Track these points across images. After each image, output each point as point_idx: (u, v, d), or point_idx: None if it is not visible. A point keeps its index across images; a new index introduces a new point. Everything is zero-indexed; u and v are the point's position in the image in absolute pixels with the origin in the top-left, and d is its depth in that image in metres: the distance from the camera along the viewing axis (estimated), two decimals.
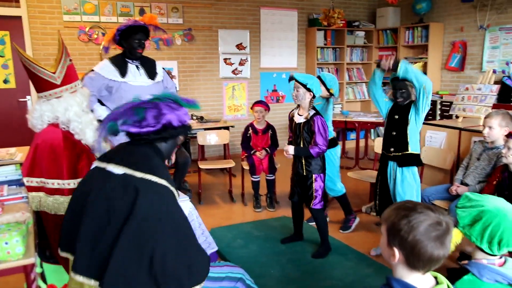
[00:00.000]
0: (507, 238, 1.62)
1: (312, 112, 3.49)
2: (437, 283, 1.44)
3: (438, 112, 6.79)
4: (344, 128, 7.05)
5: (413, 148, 3.38)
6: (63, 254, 1.88)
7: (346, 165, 6.52)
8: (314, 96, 3.47)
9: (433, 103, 6.89)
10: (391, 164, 3.47)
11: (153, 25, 3.48)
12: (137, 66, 3.41)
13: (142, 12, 6.38)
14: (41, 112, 2.48)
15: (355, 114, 6.81)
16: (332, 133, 4.12)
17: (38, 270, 1.88)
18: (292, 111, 3.73)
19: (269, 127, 4.97)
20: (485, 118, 3.44)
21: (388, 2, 5.24)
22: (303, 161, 3.53)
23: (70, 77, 2.57)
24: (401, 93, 3.35)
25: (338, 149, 4.21)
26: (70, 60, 2.60)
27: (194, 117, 6.22)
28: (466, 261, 1.71)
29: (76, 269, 1.71)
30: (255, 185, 4.86)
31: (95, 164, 1.89)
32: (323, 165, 3.57)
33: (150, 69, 3.49)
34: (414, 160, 3.41)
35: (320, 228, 3.62)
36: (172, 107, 1.89)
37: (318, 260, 3.55)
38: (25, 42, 5.83)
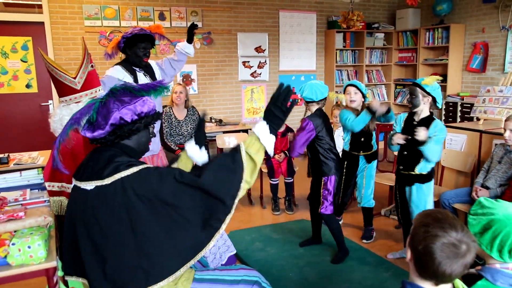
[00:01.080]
0: None
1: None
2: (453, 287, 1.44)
3: (459, 114, 6.70)
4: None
5: (420, 169, 3.34)
6: (68, 278, 1.88)
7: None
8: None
9: (454, 105, 6.82)
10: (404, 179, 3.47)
11: (159, 33, 3.50)
12: (144, 74, 3.43)
13: (162, 16, 6.46)
14: (60, 116, 2.52)
15: None
16: (375, 146, 4.08)
17: (59, 273, 1.92)
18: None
19: (288, 129, 4.98)
20: (506, 121, 3.39)
21: (408, 3, 5.20)
22: (308, 165, 3.60)
23: (91, 82, 2.62)
24: (411, 98, 3.32)
25: (375, 162, 4.15)
26: (92, 66, 2.65)
27: (213, 120, 6.27)
28: (479, 267, 1.70)
29: None
30: (274, 188, 4.87)
31: (73, 182, 1.85)
32: (337, 167, 3.57)
33: (152, 75, 3.52)
34: (427, 177, 3.37)
35: (334, 233, 3.60)
36: (123, 101, 1.82)
37: (332, 260, 3.58)
38: (47, 47, 5.95)
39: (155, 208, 1.70)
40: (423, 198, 3.36)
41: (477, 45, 6.78)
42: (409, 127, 3.35)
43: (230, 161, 1.77)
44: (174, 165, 2.26)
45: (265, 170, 4.90)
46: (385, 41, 7.93)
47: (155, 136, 2.10)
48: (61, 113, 2.56)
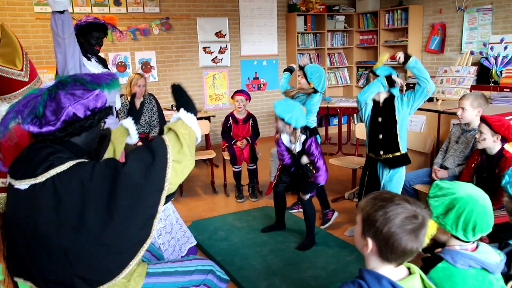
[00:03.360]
0: (481, 223, 1.60)
1: (303, 136, 3.48)
2: (410, 273, 1.42)
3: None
4: (326, 114, 7.02)
5: (403, 147, 3.38)
6: (17, 279, 1.78)
7: (329, 151, 6.51)
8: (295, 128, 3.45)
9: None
10: (381, 165, 3.46)
11: (112, 24, 3.39)
12: (96, 61, 3.33)
13: (117, 1, 6.23)
14: (7, 109, 2.38)
15: (337, 99, 6.78)
16: (314, 123, 4.06)
17: (0, 277, 1.80)
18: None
19: (250, 116, 4.91)
20: (459, 100, 3.44)
21: None
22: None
23: (34, 71, 2.46)
24: (366, 84, 3.37)
25: (318, 139, 4.13)
26: (26, 53, 2.49)
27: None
28: (439, 249, 1.69)
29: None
30: (237, 175, 4.81)
31: (8, 179, 1.72)
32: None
33: (104, 64, 3.42)
34: (404, 160, 3.41)
35: (308, 219, 3.56)
36: (76, 95, 1.70)
37: (296, 246, 3.56)
38: None
39: (87, 205, 1.59)
40: (400, 181, 3.41)
41: (435, 26, 6.85)
42: (376, 112, 3.39)
43: (149, 154, 1.67)
44: (108, 153, 2.20)
45: (227, 157, 4.82)
46: (346, 23, 7.92)
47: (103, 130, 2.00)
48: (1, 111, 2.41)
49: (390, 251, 1.33)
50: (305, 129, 3.49)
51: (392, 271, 1.38)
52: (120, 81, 4.93)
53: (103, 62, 3.42)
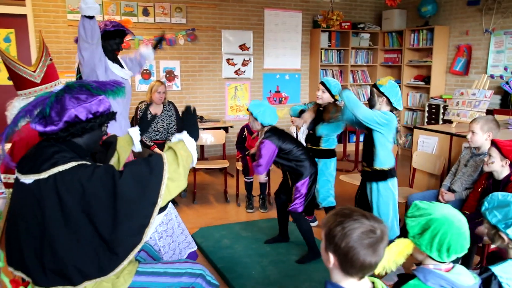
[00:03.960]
0: (455, 245, 1.62)
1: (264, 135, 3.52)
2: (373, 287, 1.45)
3: (441, 116, 6.72)
4: (345, 131, 7.02)
5: (379, 163, 3.30)
6: (11, 270, 1.87)
7: (345, 168, 6.50)
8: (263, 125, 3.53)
9: (437, 107, 6.83)
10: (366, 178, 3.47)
11: (127, 28, 3.55)
12: (112, 62, 3.48)
13: (145, 12, 6.44)
14: (19, 109, 2.53)
15: None
16: (334, 143, 4.08)
17: (0, 264, 1.91)
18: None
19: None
20: (470, 123, 3.41)
21: (387, 4, 5.20)
22: (288, 175, 3.62)
23: (50, 76, 2.62)
24: (370, 98, 3.37)
25: (333, 161, 4.12)
26: (51, 59, 2.66)
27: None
28: (414, 267, 1.71)
29: (39, 284, 1.76)
30: (248, 185, 4.87)
31: (16, 173, 1.83)
32: (309, 170, 3.55)
33: (120, 65, 3.57)
34: (382, 175, 3.32)
35: (302, 232, 3.58)
36: (80, 99, 1.81)
37: (296, 260, 3.57)
38: (30, 40, 5.93)
39: (83, 206, 1.70)
40: (386, 195, 3.30)
41: (461, 48, 6.80)
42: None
43: (146, 168, 1.77)
44: (113, 159, 2.28)
45: (240, 168, 4.90)
46: (371, 41, 7.93)
47: (106, 134, 2.10)
48: (19, 106, 2.56)
49: (350, 265, 1.37)
50: (270, 131, 3.50)
51: (355, 284, 1.42)
52: (144, 88, 5.11)
53: (118, 62, 3.56)
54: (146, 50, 3.94)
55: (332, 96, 3.88)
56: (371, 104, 3.33)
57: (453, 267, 1.68)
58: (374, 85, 3.34)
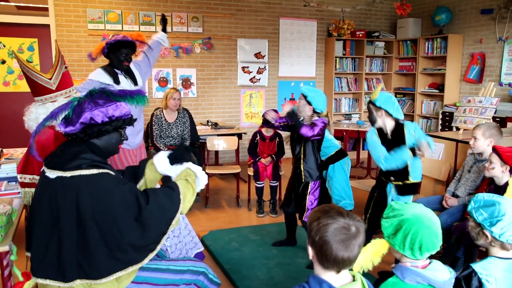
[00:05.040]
0: (426, 243, 1.71)
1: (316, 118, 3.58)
2: (354, 280, 1.55)
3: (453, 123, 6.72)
4: (357, 138, 7.08)
5: (414, 177, 3.39)
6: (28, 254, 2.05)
7: (358, 175, 6.56)
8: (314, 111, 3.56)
9: (450, 114, 6.84)
10: (390, 187, 3.48)
11: (140, 40, 3.69)
12: (124, 76, 3.62)
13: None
14: (36, 114, 2.70)
15: (369, 124, 6.82)
16: (337, 145, 4.17)
17: (13, 258, 2.07)
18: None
19: (277, 134, 5.10)
20: (472, 129, 3.47)
21: (397, 13, 5.28)
22: (302, 167, 3.65)
23: (65, 83, 2.79)
24: (369, 116, 3.41)
25: (347, 160, 4.21)
26: (66, 67, 2.83)
27: (210, 123, 6.42)
28: (394, 265, 1.80)
29: (33, 273, 1.91)
30: (259, 191, 4.99)
31: (43, 167, 2.00)
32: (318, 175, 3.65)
33: (132, 77, 3.69)
34: (414, 188, 3.43)
35: None
36: (98, 103, 1.97)
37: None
38: (52, 49, 6.19)
39: (99, 212, 1.85)
40: None
41: (475, 56, 6.80)
42: (386, 143, 3.37)
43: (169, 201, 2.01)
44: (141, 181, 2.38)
45: (251, 173, 5.02)
46: (385, 49, 7.99)
47: (127, 139, 2.25)
48: (36, 112, 2.73)
49: (324, 258, 1.49)
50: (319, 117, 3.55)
51: (334, 277, 1.53)
52: (161, 95, 5.24)
53: (131, 76, 3.71)
54: (159, 35, 4.11)
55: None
56: (371, 121, 3.38)
57: (429, 263, 1.77)
58: (369, 101, 3.36)
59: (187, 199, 2.05)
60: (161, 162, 2.30)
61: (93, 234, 1.86)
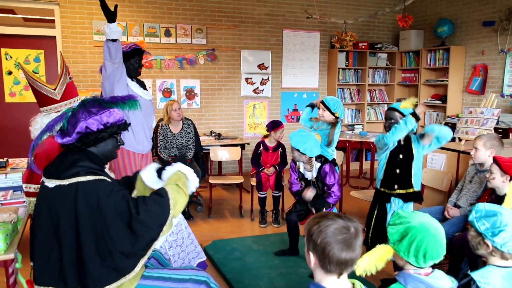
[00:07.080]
0: (431, 251, 1.73)
1: (318, 164, 3.78)
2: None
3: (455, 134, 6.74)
4: (359, 149, 7.10)
5: (416, 185, 3.43)
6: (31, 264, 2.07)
7: (361, 185, 6.57)
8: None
9: (453, 126, 6.85)
10: (393, 200, 3.48)
11: (142, 48, 3.78)
12: (136, 83, 3.70)
13: (167, 33, 6.73)
14: (41, 124, 2.75)
15: (372, 135, 6.86)
16: (334, 154, 4.21)
17: (18, 265, 2.11)
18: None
19: (280, 145, 5.13)
20: (473, 140, 3.49)
21: (399, 25, 5.34)
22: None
23: (69, 93, 2.85)
24: (389, 123, 3.40)
25: (336, 169, 4.25)
26: (70, 78, 2.89)
27: (213, 134, 6.47)
28: (397, 272, 1.82)
29: (36, 281, 1.94)
30: (261, 201, 5.01)
31: (42, 177, 2.04)
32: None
33: (142, 84, 3.78)
34: (418, 196, 3.47)
35: None
36: (91, 112, 2.02)
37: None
38: (58, 60, 6.28)
39: (96, 219, 1.89)
40: None
41: (477, 67, 6.84)
42: (397, 150, 3.41)
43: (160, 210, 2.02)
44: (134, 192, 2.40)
45: (254, 183, 5.04)
46: (388, 61, 8.04)
47: (123, 144, 2.29)
48: (42, 122, 2.79)
49: (328, 261, 1.51)
50: (320, 157, 3.72)
51: (335, 282, 1.55)
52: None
53: (141, 84, 3.78)
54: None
55: (332, 113, 3.97)
56: (390, 128, 3.40)
57: (432, 271, 1.79)
58: (396, 109, 3.35)
59: (178, 204, 2.06)
60: (148, 176, 2.33)
61: (88, 242, 1.89)
